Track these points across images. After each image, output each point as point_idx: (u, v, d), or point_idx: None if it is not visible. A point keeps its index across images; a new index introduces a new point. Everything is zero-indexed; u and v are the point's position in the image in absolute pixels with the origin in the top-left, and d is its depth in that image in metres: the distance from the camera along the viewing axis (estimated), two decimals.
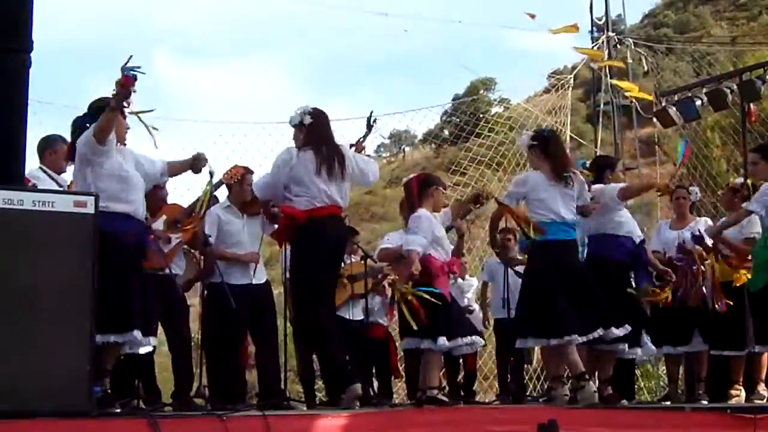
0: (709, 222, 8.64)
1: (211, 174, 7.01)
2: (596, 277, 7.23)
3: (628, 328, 6.96)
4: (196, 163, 6.81)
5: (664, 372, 14.43)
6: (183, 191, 9.22)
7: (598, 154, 17.20)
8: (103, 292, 5.43)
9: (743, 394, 8.15)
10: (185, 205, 7.60)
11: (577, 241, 7.45)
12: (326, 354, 6.75)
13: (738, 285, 7.85)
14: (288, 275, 7.36)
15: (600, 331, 6.84)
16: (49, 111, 13.24)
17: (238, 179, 7.67)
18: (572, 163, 7.64)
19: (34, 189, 6.10)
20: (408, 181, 7.66)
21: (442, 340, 6.95)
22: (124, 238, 6.07)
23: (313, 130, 6.81)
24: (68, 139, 6.77)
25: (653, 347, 7.73)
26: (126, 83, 5.85)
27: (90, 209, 5.17)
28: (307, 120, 6.78)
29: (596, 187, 7.57)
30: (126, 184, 6.20)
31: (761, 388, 8.02)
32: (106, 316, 5.58)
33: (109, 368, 6.24)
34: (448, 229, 8.47)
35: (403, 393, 10.91)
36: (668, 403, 8.40)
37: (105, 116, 5.96)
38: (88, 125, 6.19)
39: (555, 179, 7.14)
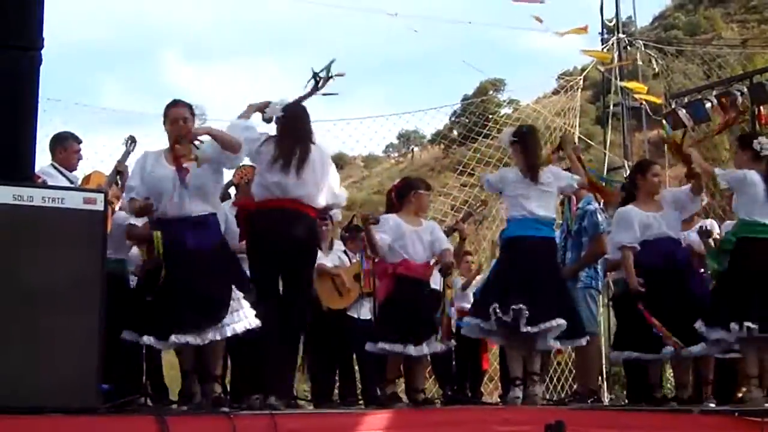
0: (715, 224, 8.59)
1: None
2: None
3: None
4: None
5: (671, 374, 14.44)
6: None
7: (606, 155, 17.21)
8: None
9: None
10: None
11: (554, 239, 7.49)
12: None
13: None
14: None
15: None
16: (59, 108, 13.25)
17: (249, 180, 7.68)
18: (550, 159, 7.71)
19: (44, 185, 6.11)
20: (388, 191, 7.76)
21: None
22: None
23: (284, 124, 6.64)
24: (80, 135, 6.81)
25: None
26: None
27: (99, 206, 5.19)
28: (278, 112, 6.63)
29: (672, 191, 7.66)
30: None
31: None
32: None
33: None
34: (450, 231, 8.51)
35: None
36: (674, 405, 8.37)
37: None
38: None
39: (529, 176, 7.18)
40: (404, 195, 7.50)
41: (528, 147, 7.32)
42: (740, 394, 8.06)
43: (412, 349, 7.14)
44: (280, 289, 6.54)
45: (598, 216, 8.24)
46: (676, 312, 7.17)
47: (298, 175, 6.41)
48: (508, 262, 7.27)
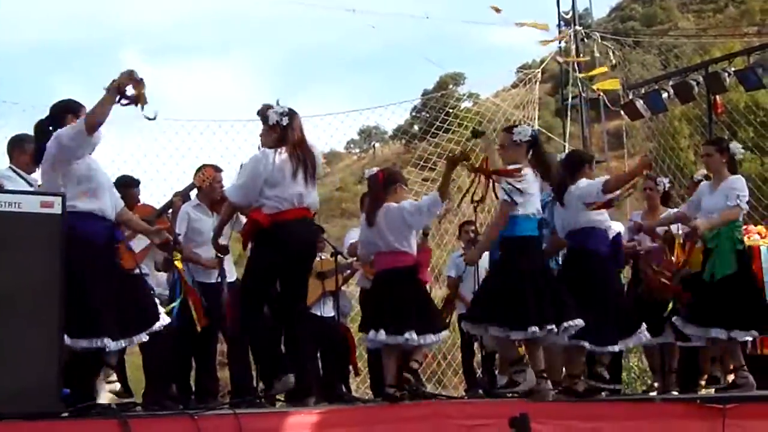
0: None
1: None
2: (579, 271, 7.28)
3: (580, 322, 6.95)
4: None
5: (634, 364, 14.57)
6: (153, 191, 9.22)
7: (566, 147, 17.30)
8: (75, 295, 5.43)
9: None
10: (157, 206, 7.60)
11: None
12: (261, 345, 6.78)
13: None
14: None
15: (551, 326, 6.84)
16: (16, 111, 13.17)
17: (210, 182, 7.68)
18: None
19: (0, 190, 6.06)
20: (373, 174, 7.59)
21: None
22: (93, 238, 5.97)
23: (289, 131, 6.66)
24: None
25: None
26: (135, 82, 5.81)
27: (57, 209, 5.15)
28: (285, 121, 6.62)
29: (582, 183, 7.52)
30: (92, 183, 6.07)
31: (729, 377, 8.08)
32: (78, 321, 5.57)
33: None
34: None
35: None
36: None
37: (103, 103, 5.82)
38: (51, 128, 6.12)
39: (539, 175, 7.16)
40: (392, 183, 7.40)
41: (541, 149, 7.34)
42: (702, 382, 8.18)
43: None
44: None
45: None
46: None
47: (311, 184, 6.67)
48: (530, 263, 7.15)
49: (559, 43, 17.18)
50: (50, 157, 6.00)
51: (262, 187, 6.54)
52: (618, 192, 7.34)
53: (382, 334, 6.83)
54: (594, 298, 7.14)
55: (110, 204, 6.21)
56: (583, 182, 7.42)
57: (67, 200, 5.43)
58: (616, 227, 8.21)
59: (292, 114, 6.71)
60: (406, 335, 6.79)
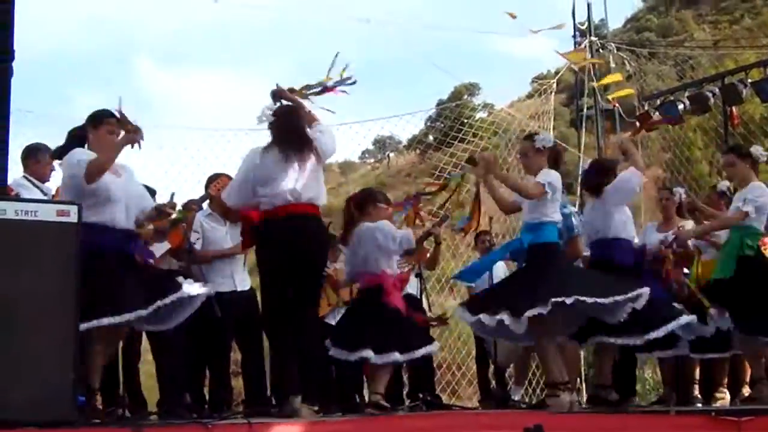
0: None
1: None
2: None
3: None
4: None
5: (649, 375, 14.51)
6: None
7: (582, 158, 17.26)
8: (94, 287, 5.52)
9: (728, 396, 8.18)
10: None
11: None
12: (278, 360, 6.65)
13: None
14: None
15: None
16: (31, 119, 13.23)
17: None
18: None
19: (17, 198, 6.09)
20: (346, 200, 7.67)
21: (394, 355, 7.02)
22: (102, 249, 5.93)
23: (278, 127, 6.59)
24: (52, 147, 6.76)
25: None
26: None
27: (73, 218, 5.15)
28: (272, 117, 6.62)
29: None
30: (100, 197, 6.03)
31: (746, 390, 8.04)
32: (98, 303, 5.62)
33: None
34: (425, 237, 8.48)
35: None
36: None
37: (107, 159, 5.93)
38: (80, 134, 6.19)
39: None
40: (364, 206, 7.44)
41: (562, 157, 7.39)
42: (717, 395, 8.14)
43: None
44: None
45: (573, 219, 8.27)
46: None
47: (312, 177, 6.44)
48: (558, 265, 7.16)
49: (572, 62, 17.10)
50: (63, 176, 6.11)
51: (254, 186, 6.44)
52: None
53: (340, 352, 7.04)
54: None
55: (123, 215, 6.18)
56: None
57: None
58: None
59: (280, 110, 6.66)
60: (363, 353, 6.89)
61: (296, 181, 6.38)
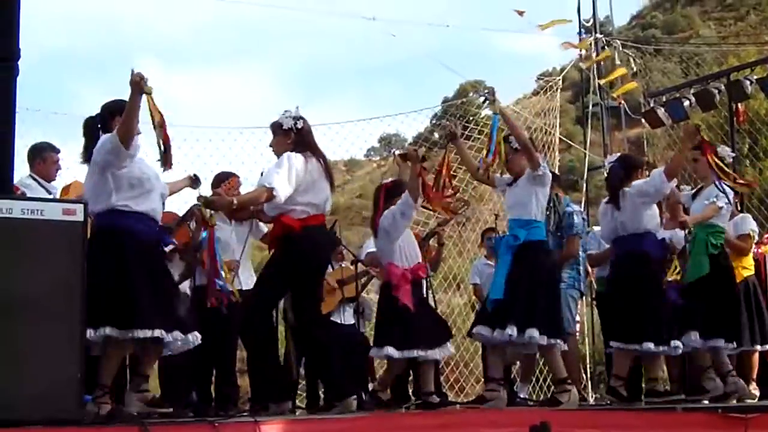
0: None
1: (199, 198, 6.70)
2: (631, 273, 7.33)
3: None
4: (192, 184, 7.00)
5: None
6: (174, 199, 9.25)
7: (587, 155, 17.26)
8: (127, 289, 5.72)
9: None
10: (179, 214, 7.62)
11: None
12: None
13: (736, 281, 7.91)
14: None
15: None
16: (37, 118, 13.22)
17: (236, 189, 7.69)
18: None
19: (23, 197, 6.09)
20: (377, 186, 7.69)
21: (391, 350, 7.09)
22: (145, 238, 6.06)
23: (306, 136, 6.66)
24: (58, 146, 6.76)
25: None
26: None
27: (79, 217, 5.16)
28: (300, 124, 6.61)
29: (638, 182, 7.46)
30: (145, 187, 6.10)
31: (753, 387, 8.03)
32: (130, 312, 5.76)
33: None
34: (428, 237, 8.48)
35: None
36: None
37: (129, 113, 5.82)
38: (99, 128, 6.14)
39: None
40: (394, 196, 7.44)
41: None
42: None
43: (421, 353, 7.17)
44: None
45: (575, 218, 8.27)
46: None
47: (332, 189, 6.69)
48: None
49: (580, 50, 17.09)
50: (96, 166, 6.04)
51: (294, 191, 6.42)
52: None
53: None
54: (649, 299, 7.14)
55: (160, 207, 6.30)
56: (638, 181, 7.41)
57: (120, 201, 5.92)
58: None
59: (303, 119, 6.70)
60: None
61: (329, 191, 6.64)
